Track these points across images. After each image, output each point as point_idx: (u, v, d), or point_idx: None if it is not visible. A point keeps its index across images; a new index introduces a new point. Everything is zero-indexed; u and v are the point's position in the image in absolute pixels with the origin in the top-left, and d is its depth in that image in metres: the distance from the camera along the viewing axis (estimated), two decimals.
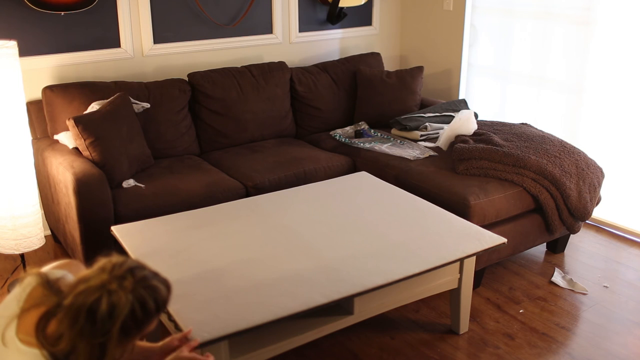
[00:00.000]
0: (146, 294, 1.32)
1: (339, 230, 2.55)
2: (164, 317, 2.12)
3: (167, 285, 1.40)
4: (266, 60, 4.17)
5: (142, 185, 3.07)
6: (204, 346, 1.86)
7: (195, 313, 1.97)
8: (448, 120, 3.78)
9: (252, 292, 2.09)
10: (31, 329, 1.31)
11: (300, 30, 4.32)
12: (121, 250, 2.45)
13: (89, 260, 2.79)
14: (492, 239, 2.48)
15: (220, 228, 2.57)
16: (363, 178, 3.14)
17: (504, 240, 2.49)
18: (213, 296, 2.07)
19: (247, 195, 3.22)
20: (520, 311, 2.89)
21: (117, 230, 2.55)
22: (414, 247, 2.40)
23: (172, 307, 1.97)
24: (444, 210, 2.77)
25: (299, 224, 2.61)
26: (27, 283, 1.38)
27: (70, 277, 1.44)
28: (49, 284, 1.36)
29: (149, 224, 2.61)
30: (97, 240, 2.84)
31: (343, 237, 2.50)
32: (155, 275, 1.39)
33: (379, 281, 2.17)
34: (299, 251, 2.37)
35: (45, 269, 1.49)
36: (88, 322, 1.26)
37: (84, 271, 1.36)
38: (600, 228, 3.74)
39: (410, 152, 3.46)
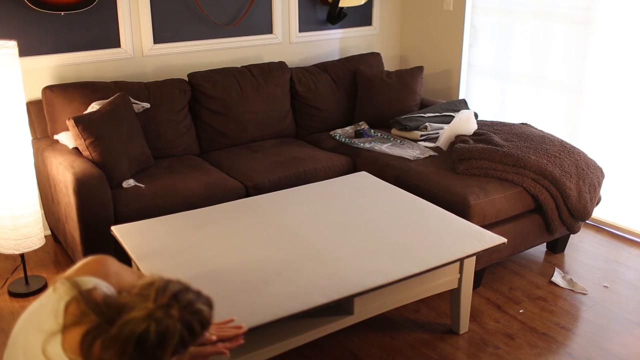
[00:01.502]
0: (193, 319, 1.30)
1: (339, 230, 2.55)
2: None
3: (209, 304, 1.38)
4: (266, 60, 4.17)
5: (142, 185, 3.07)
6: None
7: None
8: (448, 120, 3.78)
9: (252, 292, 2.09)
10: (77, 349, 1.28)
11: (300, 30, 4.31)
12: (121, 250, 2.45)
13: None
14: (492, 239, 2.48)
15: (220, 228, 2.57)
16: (363, 178, 3.14)
17: (504, 240, 2.49)
18: (213, 296, 2.05)
19: (247, 195, 3.22)
20: (520, 311, 2.89)
21: (117, 230, 2.55)
22: (414, 247, 2.40)
23: None
24: (444, 210, 2.77)
25: (299, 224, 2.61)
26: (60, 294, 1.34)
27: (102, 286, 1.39)
28: (84, 299, 1.31)
29: (149, 224, 2.61)
30: (97, 240, 2.84)
31: (343, 237, 2.49)
32: (199, 296, 1.36)
33: (379, 281, 2.17)
34: (299, 251, 2.37)
35: (73, 272, 1.45)
36: (137, 353, 1.23)
37: (124, 295, 1.32)
38: (600, 228, 3.74)
39: (410, 152, 3.46)
